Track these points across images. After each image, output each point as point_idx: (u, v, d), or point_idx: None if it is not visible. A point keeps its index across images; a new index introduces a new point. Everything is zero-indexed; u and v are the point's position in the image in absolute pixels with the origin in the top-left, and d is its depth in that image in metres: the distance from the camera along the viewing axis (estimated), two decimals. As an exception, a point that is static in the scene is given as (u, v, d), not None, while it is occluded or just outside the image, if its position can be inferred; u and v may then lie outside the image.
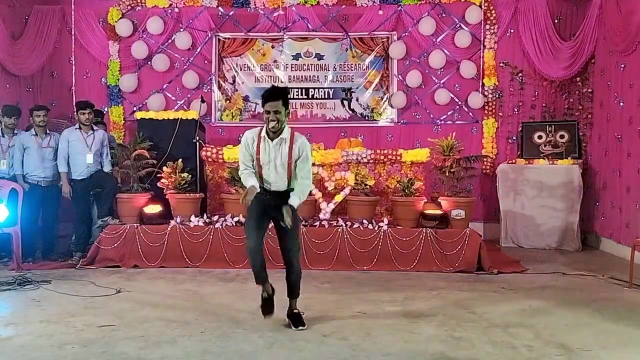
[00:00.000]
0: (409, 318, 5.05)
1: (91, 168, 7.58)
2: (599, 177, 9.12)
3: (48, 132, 7.75)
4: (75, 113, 7.81)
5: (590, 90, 9.54)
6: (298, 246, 4.91)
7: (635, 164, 7.80)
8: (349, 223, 7.40)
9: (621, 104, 8.33)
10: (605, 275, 6.90)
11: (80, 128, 7.62)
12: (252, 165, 4.77)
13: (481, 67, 10.04)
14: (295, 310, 4.87)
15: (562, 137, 9.50)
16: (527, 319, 5.01)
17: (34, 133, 7.63)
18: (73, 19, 9.98)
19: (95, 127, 7.79)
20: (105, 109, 10.05)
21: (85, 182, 7.58)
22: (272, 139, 4.69)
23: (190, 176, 7.69)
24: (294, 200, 4.66)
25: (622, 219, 8.17)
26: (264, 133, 4.73)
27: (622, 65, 8.29)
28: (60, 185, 7.65)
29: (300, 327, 4.70)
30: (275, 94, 4.64)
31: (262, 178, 4.76)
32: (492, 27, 10.00)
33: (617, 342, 4.39)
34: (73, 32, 10.02)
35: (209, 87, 10.34)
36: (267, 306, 4.82)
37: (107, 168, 7.76)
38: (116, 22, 10.06)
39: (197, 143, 8.20)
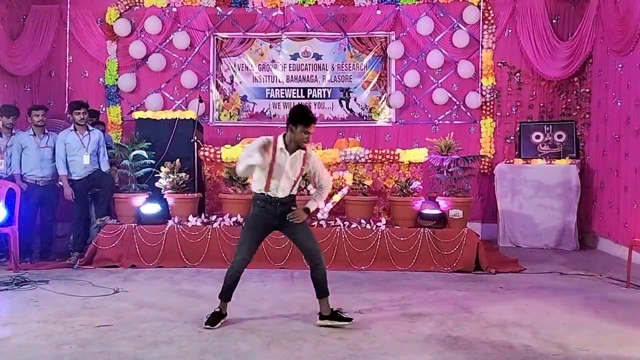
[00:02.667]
0: (407, 318, 5.05)
1: (88, 168, 7.57)
2: (596, 177, 9.13)
3: (46, 131, 7.74)
4: (69, 113, 7.78)
5: (588, 90, 9.56)
6: (317, 243, 4.96)
7: (632, 164, 7.80)
8: (346, 223, 7.40)
9: (619, 103, 8.34)
10: (602, 275, 6.92)
11: (75, 129, 7.60)
12: (263, 170, 4.82)
13: (479, 67, 10.05)
14: (334, 309, 4.83)
15: (559, 136, 9.51)
16: (524, 319, 5.01)
17: (32, 133, 7.61)
18: (71, 19, 9.96)
19: (90, 128, 7.78)
20: (103, 109, 10.05)
21: (82, 182, 7.57)
22: (290, 152, 4.83)
23: (188, 176, 7.69)
24: (312, 204, 4.97)
25: (619, 218, 8.18)
26: (281, 144, 4.83)
27: (620, 65, 8.30)
28: (58, 185, 7.64)
29: (349, 323, 4.73)
30: (313, 118, 4.80)
31: (269, 186, 4.82)
32: (490, 27, 10.01)
33: (615, 342, 4.39)
34: (71, 32, 10.00)
35: (207, 87, 10.35)
36: (215, 320, 4.75)
37: (104, 168, 7.75)
38: (114, 22, 10.05)
39: (195, 143, 8.19)
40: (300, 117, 4.78)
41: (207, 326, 4.67)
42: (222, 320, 4.79)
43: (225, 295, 4.88)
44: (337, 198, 7.70)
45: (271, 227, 4.95)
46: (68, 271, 6.96)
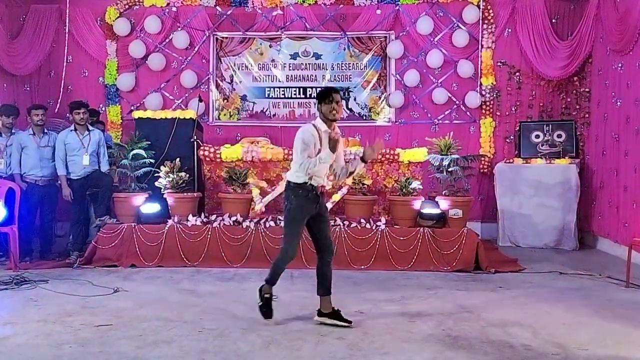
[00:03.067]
0: (407, 317, 5.06)
1: (88, 168, 7.57)
2: (596, 177, 9.13)
3: (46, 131, 7.74)
4: (69, 113, 7.78)
5: (587, 89, 9.56)
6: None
7: (632, 163, 7.81)
8: (346, 222, 7.40)
9: (618, 103, 8.34)
10: (602, 275, 6.92)
11: (75, 129, 7.60)
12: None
13: (479, 66, 10.05)
14: (335, 308, 4.83)
15: (559, 136, 9.50)
16: (524, 318, 5.01)
17: (32, 132, 7.62)
18: (70, 18, 9.94)
19: (90, 128, 7.78)
20: (102, 108, 10.05)
21: (82, 181, 7.57)
22: (329, 126, 4.82)
23: (188, 175, 7.69)
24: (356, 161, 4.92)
25: (619, 218, 8.19)
26: (323, 128, 4.82)
27: (620, 65, 8.31)
28: (58, 184, 7.64)
29: (348, 325, 4.72)
30: (334, 91, 4.80)
31: (314, 174, 4.79)
32: (489, 27, 10.01)
33: (615, 341, 4.39)
34: (70, 31, 9.98)
35: (206, 87, 10.34)
36: (270, 309, 4.91)
37: (104, 168, 7.75)
38: (114, 21, 10.05)
39: (195, 142, 8.19)
40: (321, 94, 4.84)
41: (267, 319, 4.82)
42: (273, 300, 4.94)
43: (276, 280, 4.97)
44: (337, 197, 7.70)
45: (309, 216, 4.86)
46: (68, 271, 6.96)
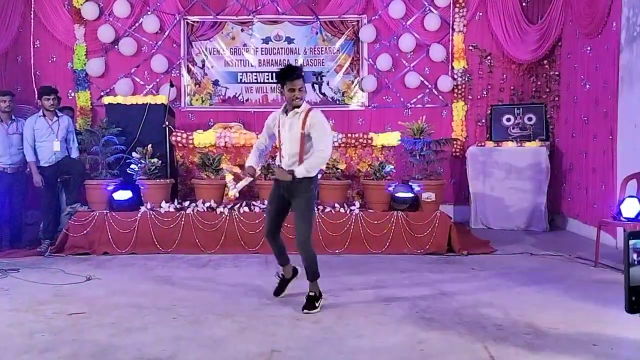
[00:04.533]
0: (381, 300, 5.10)
1: (58, 155, 7.46)
2: (565, 159, 9.27)
3: (14, 118, 7.60)
4: (39, 99, 7.64)
5: (557, 72, 9.68)
6: (304, 231, 4.80)
7: (601, 145, 7.93)
8: (321, 207, 7.41)
9: (587, 86, 8.45)
10: (572, 255, 7.04)
11: (44, 115, 7.48)
12: (273, 142, 5.05)
13: (450, 50, 10.10)
14: (311, 294, 4.84)
15: (529, 119, 9.62)
16: (496, 299, 5.09)
17: (-1, 119, 7.48)
18: (37, 2, 9.73)
19: (59, 114, 7.66)
20: (72, 94, 9.90)
21: (52, 168, 7.46)
22: (286, 113, 4.87)
23: (160, 162, 7.62)
24: (299, 168, 4.74)
25: (588, 199, 8.33)
26: (281, 111, 4.94)
27: (588, 48, 8.41)
28: (27, 172, 7.52)
29: (304, 311, 4.69)
30: (295, 73, 4.78)
31: (281, 155, 4.92)
32: (461, 11, 10.05)
33: (585, 321, 4.48)
34: (37, 15, 9.78)
35: (178, 72, 10.23)
36: (279, 288, 5.23)
37: (74, 154, 7.65)
38: (81, 5, 9.87)
39: (167, 128, 8.12)
40: (281, 75, 4.82)
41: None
42: (288, 282, 5.24)
43: (278, 261, 5.20)
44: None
45: (284, 199, 4.91)
46: (39, 259, 6.88)
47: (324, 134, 4.81)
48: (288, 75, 4.77)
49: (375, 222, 7.31)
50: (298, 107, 4.81)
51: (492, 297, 5.18)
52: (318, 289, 4.86)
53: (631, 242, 2.07)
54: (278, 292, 5.20)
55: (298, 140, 4.78)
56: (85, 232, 7.22)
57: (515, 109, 9.74)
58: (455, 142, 9.81)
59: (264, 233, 5.16)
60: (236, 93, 10.30)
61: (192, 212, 7.30)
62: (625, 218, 6.22)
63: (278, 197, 4.93)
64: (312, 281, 4.86)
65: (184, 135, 8.05)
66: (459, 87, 10.10)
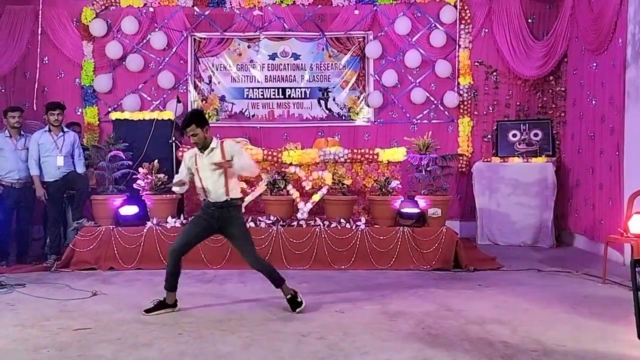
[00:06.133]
0: (387, 316, 5.08)
1: (63, 170, 7.49)
2: (572, 175, 9.24)
3: (22, 133, 7.64)
4: (45, 114, 7.68)
5: (563, 88, 9.67)
6: (252, 251, 5.32)
7: (607, 161, 7.91)
8: (326, 222, 7.41)
9: (593, 102, 8.45)
10: (579, 272, 7.00)
11: (50, 130, 7.53)
12: (195, 179, 5.35)
13: (456, 66, 10.12)
14: (288, 296, 5.23)
15: (536, 135, 9.60)
16: (503, 316, 5.06)
17: (8, 135, 7.51)
18: (46, 19, 9.80)
19: (65, 129, 7.71)
20: (79, 110, 9.98)
21: (57, 184, 7.48)
22: (203, 152, 5.25)
23: (166, 177, 7.64)
24: (236, 164, 5.18)
25: (595, 215, 8.29)
26: (197, 151, 5.32)
27: (594, 64, 8.41)
28: (34, 187, 7.56)
29: (297, 310, 5.12)
30: (186, 122, 5.19)
31: (205, 190, 5.27)
32: (466, 27, 10.08)
33: (592, 338, 4.45)
34: (46, 32, 9.85)
35: (184, 87, 10.29)
36: (155, 308, 5.21)
37: (80, 169, 7.68)
38: (90, 22, 9.95)
39: (174, 143, 8.15)
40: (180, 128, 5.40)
41: None
42: (163, 308, 5.23)
43: (166, 282, 5.27)
44: (316, 198, 7.71)
45: (210, 228, 5.34)
46: (45, 274, 6.89)
47: (242, 153, 5.39)
48: (182, 127, 5.26)
49: (381, 237, 7.29)
50: (205, 147, 5.22)
51: (499, 313, 5.15)
52: (289, 289, 5.28)
53: (638, 268, 2.08)
54: (151, 310, 5.18)
55: (222, 172, 5.17)
56: (91, 247, 7.23)
57: (522, 125, 9.73)
58: (461, 158, 9.80)
59: (172, 249, 5.26)
60: (243, 109, 10.34)
61: (198, 228, 7.29)
62: (632, 234, 6.19)
63: (205, 225, 5.30)
64: (280, 287, 5.28)
65: (191, 151, 8.06)
66: (465, 102, 10.11)
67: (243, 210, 7.10)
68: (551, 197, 9.08)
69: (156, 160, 7.70)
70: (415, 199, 7.70)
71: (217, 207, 5.23)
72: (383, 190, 7.56)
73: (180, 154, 8.04)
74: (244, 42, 10.33)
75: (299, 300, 5.21)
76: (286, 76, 10.34)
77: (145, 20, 10.07)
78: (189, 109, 10.21)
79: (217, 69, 10.34)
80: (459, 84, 10.13)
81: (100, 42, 10.04)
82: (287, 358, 4.02)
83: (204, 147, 5.21)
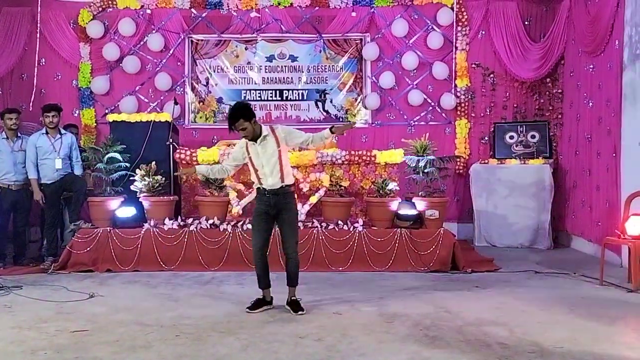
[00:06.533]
0: (385, 318, 5.08)
1: (61, 172, 7.48)
2: (569, 176, 9.25)
3: (19, 135, 7.63)
4: (41, 116, 7.67)
5: (560, 90, 9.70)
6: (296, 238, 5.38)
7: (604, 163, 7.92)
8: (324, 224, 7.40)
9: (590, 104, 8.47)
10: (576, 273, 7.00)
11: (47, 132, 7.52)
12: (250, 168, 5.37)
13: (453, 68, 10.14)
14: (293, 298, 5.32)
15: (533, 137, 9.62)
16: (500, 317, 5.06)
17: (5, 136, 7.50)
18: (43, 21, 9.79)
19: (63, 131, 7.70)
20: (76, 112, 9.97)
21: (55, 185, 7.48)
22: (255, 141, 5.22)
23: (163, 179, 7.63)
24: (324, 132, 5.30)
25: (592, 217, 8.30)
26: (247, 140, 5.30)
27: (591, 66, 8.43)
28: (31, 189, 7.55)
29: (300, 313, 5.14)
30: (233, 117, 5.14)
31: (260, 179, 5.29)
32: (463, 29, 10.10)
33: (589, 339, 4.45)
34: (43, 34, 9.84)
35: (182, 89, 10.29)
36: (255, 305, 5.30)
37: (78, 171, 7.67)
38: (87, 23, 9.95)
39: (171, 145, 8.14)
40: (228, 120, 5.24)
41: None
42: (264, 305, 5.34)
43: (261, 283, 5.36)
44: (314, 199, 7.71)
45: (269, 215, 5.30)
46: (42, 276, 6.87)
47: (293, 130, 5.45)
48: (229, 121, 5.19)
49: (379, 239, 7.29)
50: (256, 138, 5.21)
51: (497, 315, 5.15)
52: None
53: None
54: (253, 307, 5.29)
55: (277, 159, 5.22)
56: (88, 249, 7.21)
57: (519, 127, 9.75)
58: (458, 160, 9.82)
59: (256, 248, 5.31)
60: (240, 111, 10.31)
61: (195, 229, 7.29)
62: (629, 236, 6.20)
63: (266, 216, 5.30)
64: (294, 286, 5.38)
65: (188, 153, 8.07)
66: (462, 104, 10.13)
67: (241, 211, 7.14)
68: (548, 199, 9.09)
69: (153, 162, 7.68)
70: (413, 200, 7.71)
71: (273, 194, 5.23)
72: (380, 192, 7.57)
73: (177, 155, 8.04)
74: (241, 44, 10.33)
75: (302, 305, 5.27)
76: (283, 78, 10.35)
77: (143, 22, 10.08)
78: (189, 109, 10.23)
79: (214, 71, 10.34)
80: (456, 86, 10.15)
81: (98, 44, 10.04)
82: (285, 360, 4.02)
83: (253, 138, 5.20)
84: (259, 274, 5.34)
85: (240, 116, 5.09)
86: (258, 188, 5.34)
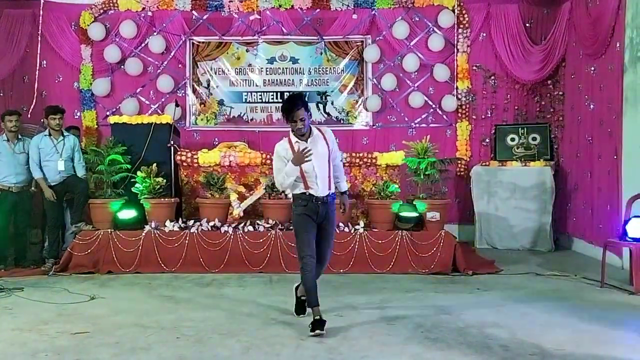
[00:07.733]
0: (386, 320, 5.07)
1: (63, 174, 7.49)
2: (570, 179, 9.25)
3: (20, 137, 7.63)
4: (45, 118, 7.67)
5: (561, 92, 9.69)
6: (330, 244, 5.08)
7: (606, 165, 7.92)
8: (325, 226, 7.38)
9: (591, 106, 8.46)
10: (577, 276, 7.00)
11: (50, 134, 7.52)
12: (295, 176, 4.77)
13: (454, 70, 10.13)
14: (302, 301, 5.13)
15: (534, 139, 9.62)
16: (502, 320, 5.05)
17: (6, 138, 7.51)
18: (44, 23, 9.79)
19: (65, 133, 7.71)
20: (77, 113, 9.98)
21: (57, 187, 7.49)
22: (302, 139, 4.78)
23: (165, 181, 7.64)
24: (344, 185, 5.15)
25: (593, 219, 8.29)
26: (294, 140, 4.80)
27: (592, 68, 8.43)
28: (32, 191, 7.55)
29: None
30: (296, 106, 4.68)
31: (307, 184, 4.79)
32: (465, 31, 10.10)
33: (591, 342, 4.44)
34: (44, 36, 9.83)
35: (183, 91, 10.29)
36: (316, 327, 4.60)
37: (80, 173, 7.67)
38: (88, 25, 9.95)
39: (172, 147, 8.15)
40: (283, 110, 4.77)
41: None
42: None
43: (312, 299, 4.76)
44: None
45: (314, 225, 4.84)
46: (43, 278, 6.88)
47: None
48: (286, 110, 4.74)
49: (380, 241, 7.29)
50: (305, 134, 4.77)
51: (498, 317, 5.15)
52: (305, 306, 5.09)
53: None
54: (314, 329, 4.59)
55: (327, 161, 4.83)
56: (89, 251, 7.21)
57: (520, 129, 9.75)
58: (459, 162, 9.81)
59: (311, 257, 4.74)
60: (241, 113, 10.34)
61: (196, 231, 7.29)
62: (630, 238, 6.20)
63: (312, 225, 4.81)
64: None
65: (189, 155, 8.07)
66: (463, 107, 10.13)
67: (242, 213, 7.12)
68: (549, 201, 9.09)
69: (154, 164, 7.69)
70: (414, 202, 7.71)
71: (322, 202, 4.79)
72: (381, 194, 7.57)
73: (178, 157, 8.04)
74: (242, 46, 10.33)
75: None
76: (284, 80, 10.35)
77: (144, 24, 10.08)
78: (190, 111, 10.23)
79: (215, 73, 10.34)
80: (457, 88, 10.15)
81: (99, 46, 10.04)
82: (286, 362, 4.01)
83: (303, 134, 4.75)
84: (310, 288, 4.75)
85: (302, 105, 4.68)
86: (302, 194, 4.80)
